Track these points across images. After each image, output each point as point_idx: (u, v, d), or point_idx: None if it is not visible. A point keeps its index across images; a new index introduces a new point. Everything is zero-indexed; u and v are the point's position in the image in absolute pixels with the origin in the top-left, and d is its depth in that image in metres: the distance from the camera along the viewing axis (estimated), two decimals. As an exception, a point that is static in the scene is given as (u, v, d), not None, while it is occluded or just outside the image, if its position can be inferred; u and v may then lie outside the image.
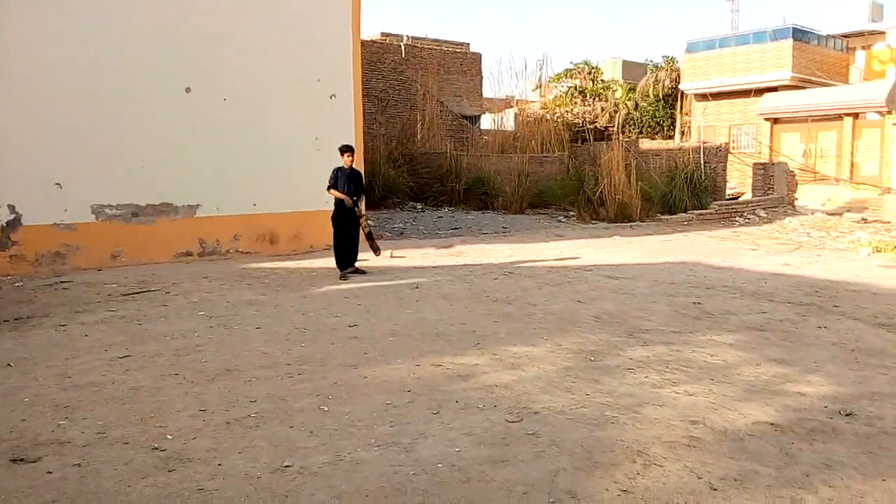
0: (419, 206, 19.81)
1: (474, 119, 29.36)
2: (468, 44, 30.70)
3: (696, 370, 5.10)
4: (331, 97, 10.92)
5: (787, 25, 25.81)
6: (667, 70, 31.31)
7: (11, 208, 8.33)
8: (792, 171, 19.30)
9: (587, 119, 32.93)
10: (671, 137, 32.11)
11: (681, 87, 29.20)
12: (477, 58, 29.88)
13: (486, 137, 27.11)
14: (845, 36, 27.61)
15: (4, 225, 8.30)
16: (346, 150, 8.79)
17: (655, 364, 5.22)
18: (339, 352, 5.47)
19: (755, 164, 19.91)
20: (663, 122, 32.38)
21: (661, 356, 5.45)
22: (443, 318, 6.63)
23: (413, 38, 28.69)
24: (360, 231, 8.91)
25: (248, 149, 10.13)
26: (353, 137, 11.03)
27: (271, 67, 10.26)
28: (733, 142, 26.69)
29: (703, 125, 25.54)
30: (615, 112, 33.57)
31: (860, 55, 28.40)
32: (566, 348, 5.64)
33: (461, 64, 29.42)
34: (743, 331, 6.32)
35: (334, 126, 10.88)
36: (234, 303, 7.28)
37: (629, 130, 33.32)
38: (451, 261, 10.24)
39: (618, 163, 15.94)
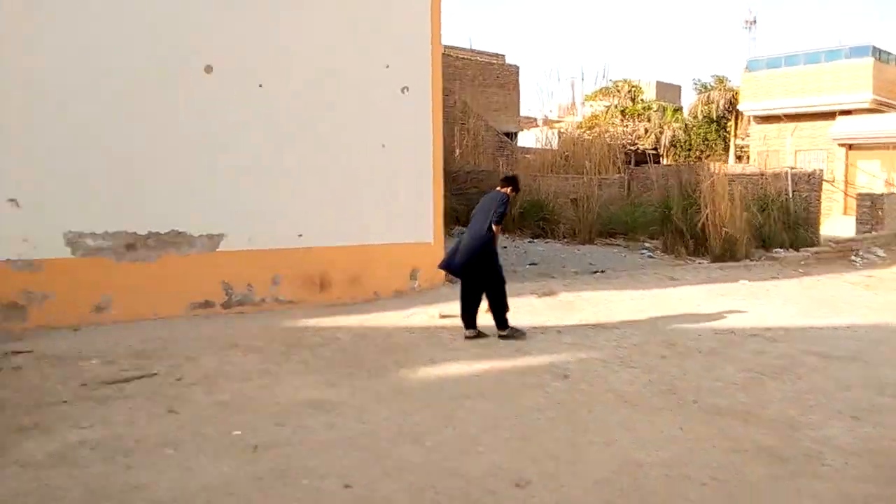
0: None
1: (512, 136, 26.71)
2: (504, 55, 28.07)
3: None
4: (402, 91, 8.04)
5: (866, 44, 23.25)
6: (720, 90, 28.65)
7: (-58, 237, 5.47)
8: (909, 204, 16.49)
9: (628, 140, 30.23)
10: (725, 162, 29.44)
11: (740, 107, 26.52)
12: (514, 71, 27.24)
13: (528, 156, 24.41)
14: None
15: (-72, 263, 5.44)
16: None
17: None
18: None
19: (860, 195, 17.12)
20: (715, 145, 29.71)
21: None
22: (666, 463, 3.72)
23: (447, 46, 26.11)
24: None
25: (292, 157, 7.27)
26: (431, 145, 8.21)
27: (326, 48, 7.42)
28: (798, 168, 24.02)
29: (789, 149, 22.75)
30: (660, 133, 30.97)
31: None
32: None
33: (497, 76, 26.80)
34: None
35: (406, 129, 8.03)
36: (287, 406, 4.39)
37: (676, 153, 30.72)
38: (569, 318, 7.37)
39: (724, 189, 13.09)
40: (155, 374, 4.87)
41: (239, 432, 3.93)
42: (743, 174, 19.19)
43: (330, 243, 7.50)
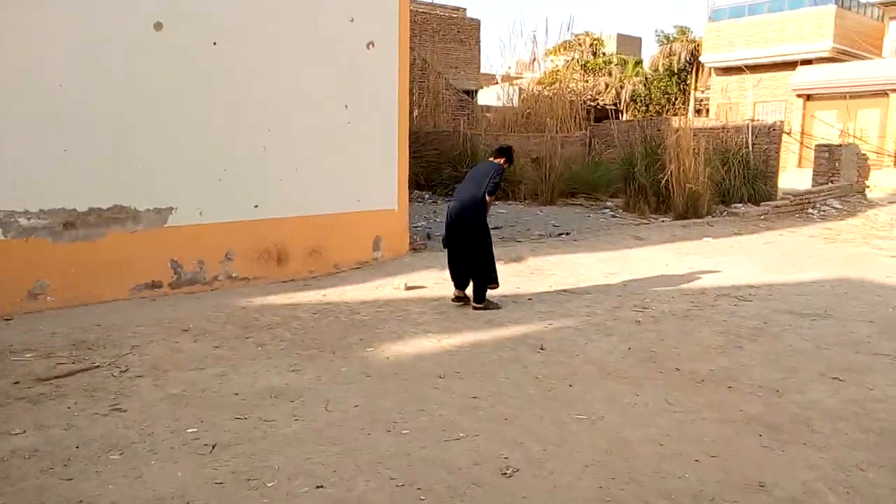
0: (426, 195, 16.66)
1: (472, 94, 26.15)
2: (465, 9, 27.28)
3: None
4: (368, 46, 7.54)
5: (828, -11, 23.11)
6: (682, 41, 28.40)
7: None
8: (864, 155, 16.69)
9: (588, 96, 29.90)
10: (685, 115, 29.41)
11: (702, 59, 26.31)
12: (475, 25, 26.54)
13: (488, 115, 23.92)
14: (883, 4, 25.04)
15: None
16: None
17: None
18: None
19: (818, 146, 17.23)
20: (675, 98, 29.62)
21: None
22: (657, 440, 3.53)
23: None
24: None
25: (247, 122, 6.75)
26: (396, 105, 7.77)
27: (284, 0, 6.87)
28: (759, 120, 24.10)
29: (751, 101, 22.67)
30: (621, 88, 30.74)
31: (893, 26, 25.94)
32: None
33: (458, 31, 26.07)
34: None
35: (371, 88, 7.55)
36: (246, 396, 4.06)
37: (636, 108, 30.59)
38: (539, 284, 7.15)
39: (688, 145, 12.94)
40: (97, 366, 4.47)
41: (194, 430, 3.59)
42: (704, 128, 19.18)
43: (288, 213, 7.06)
